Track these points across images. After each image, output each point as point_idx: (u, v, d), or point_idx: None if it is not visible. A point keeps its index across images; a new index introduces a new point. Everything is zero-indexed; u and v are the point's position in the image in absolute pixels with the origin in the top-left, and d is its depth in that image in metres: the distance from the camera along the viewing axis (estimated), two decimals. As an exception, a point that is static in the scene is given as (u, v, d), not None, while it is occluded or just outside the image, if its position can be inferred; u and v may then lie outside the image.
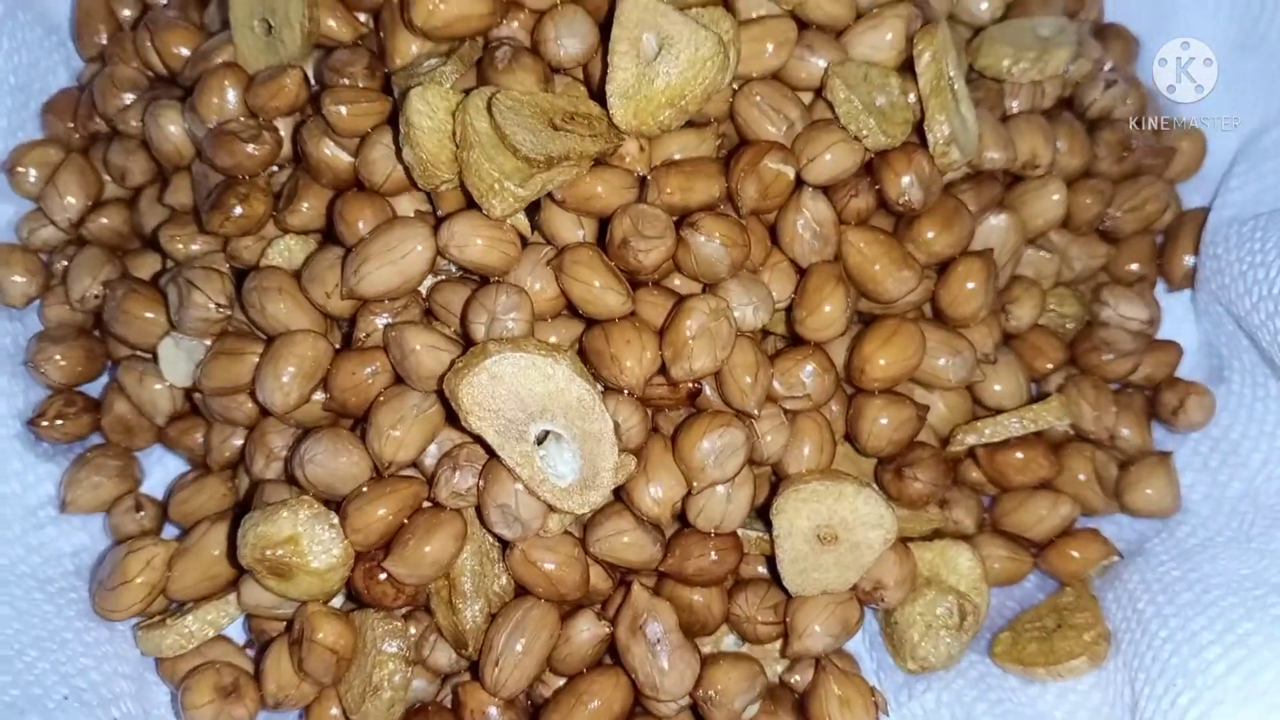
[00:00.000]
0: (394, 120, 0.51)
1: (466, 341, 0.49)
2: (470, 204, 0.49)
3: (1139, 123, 0.62)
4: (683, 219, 0.50)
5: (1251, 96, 0.63)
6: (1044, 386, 0.59)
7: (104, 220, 0.60)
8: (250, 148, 0.52)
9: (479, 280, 0.50)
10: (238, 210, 0.52)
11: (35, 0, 0.63)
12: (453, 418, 0.48)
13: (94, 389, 0.59)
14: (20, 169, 0.60)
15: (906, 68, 0.54)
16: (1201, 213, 0.62)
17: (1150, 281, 0.63)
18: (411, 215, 0.51)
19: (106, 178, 0.60)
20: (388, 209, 0.51)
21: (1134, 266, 0.62)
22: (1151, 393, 0.60)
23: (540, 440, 0.47)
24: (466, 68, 0.51)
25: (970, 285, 0.54)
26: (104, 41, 0.64)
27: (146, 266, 0.59)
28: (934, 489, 0.53)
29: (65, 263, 0.60)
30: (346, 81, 0.52)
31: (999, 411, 0.56)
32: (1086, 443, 0.58)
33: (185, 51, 0.58)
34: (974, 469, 0.58)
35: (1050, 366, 0.59)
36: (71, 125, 0.62)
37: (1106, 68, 0.65)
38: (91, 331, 0.59)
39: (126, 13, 0.65)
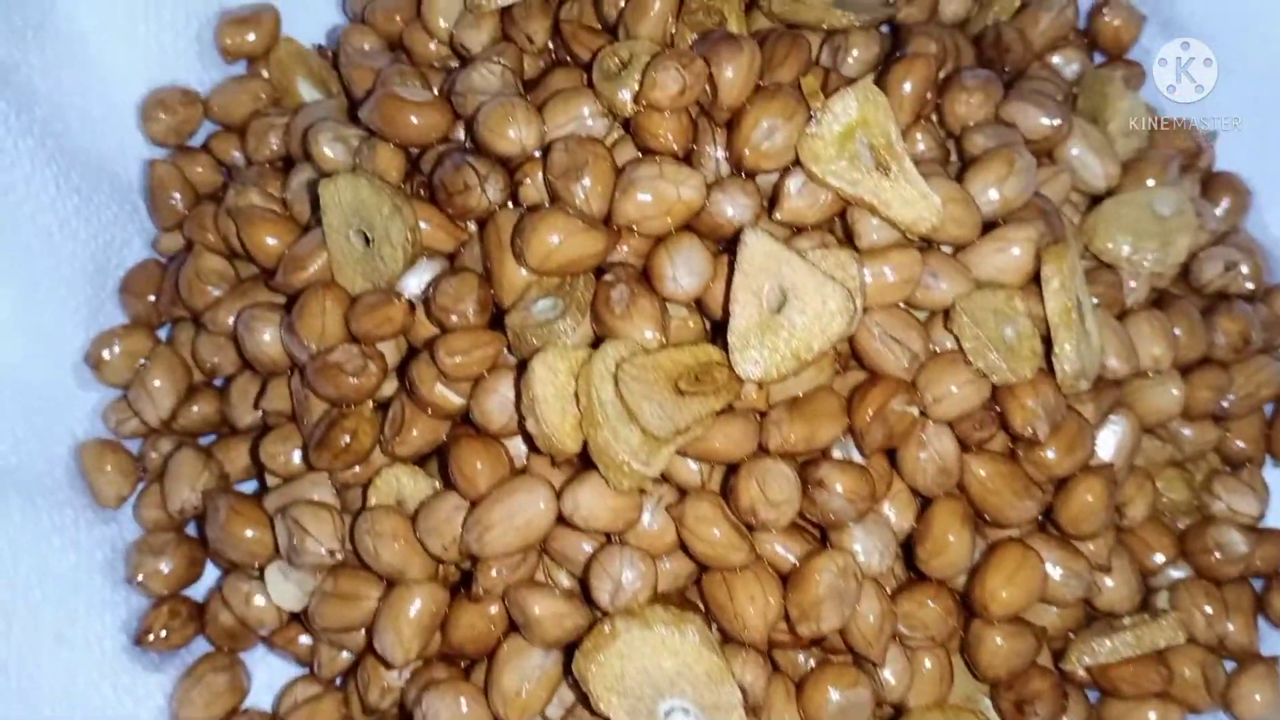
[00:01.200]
0: (509, 363, 0.49)
1: (587, 597, 0.48)
2: (589, 462, 0.48)
3: (1252, 298, 0.60)
4: (807, 467, 0.49)
5: None
6: (1154, 581, 0.58)
7: (195, 410, 0.59)
8: (355, 380, 0.51)
9: (601, 537, 0.49)
10: (346, 442, 0.51)
11: (107, 168, 0.61)
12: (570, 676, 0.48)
13: (196, 587, 0.59)
14: (106, 359, 0.59)
15: (1032, 279, 0.52)
16: (1314, 387, 0.61)
17: (1259, 461, 0.61)
18: (529, 466, 0.50)
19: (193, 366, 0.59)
20: (504, 457, 0.50)
21: (1240, 444, 0.61)
22: (1266, 584, 0.59)
23: (668, 715, 0.47)
24: (582, 311, 0.49)
25: (1089, 499, 0.53)
26: (181, 208, 0.61)
27: (240, 458, 0.58)
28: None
29: (157, 456, 0.59)
30: (456, 319, 0.50)
31: (1111, 615, 0.56)
32: (1196, 646, 0.57)
33: (273, 242, 0.56)
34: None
35: (1162, 560, 0.58)
36: (153, 299, 0.61)
37: (1218, 215, 0.63)
38: (187, 532, 0.59)
39: (200, 170, 0.63)
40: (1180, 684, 0.56)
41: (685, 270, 0.49)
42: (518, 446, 0.51)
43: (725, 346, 0.48)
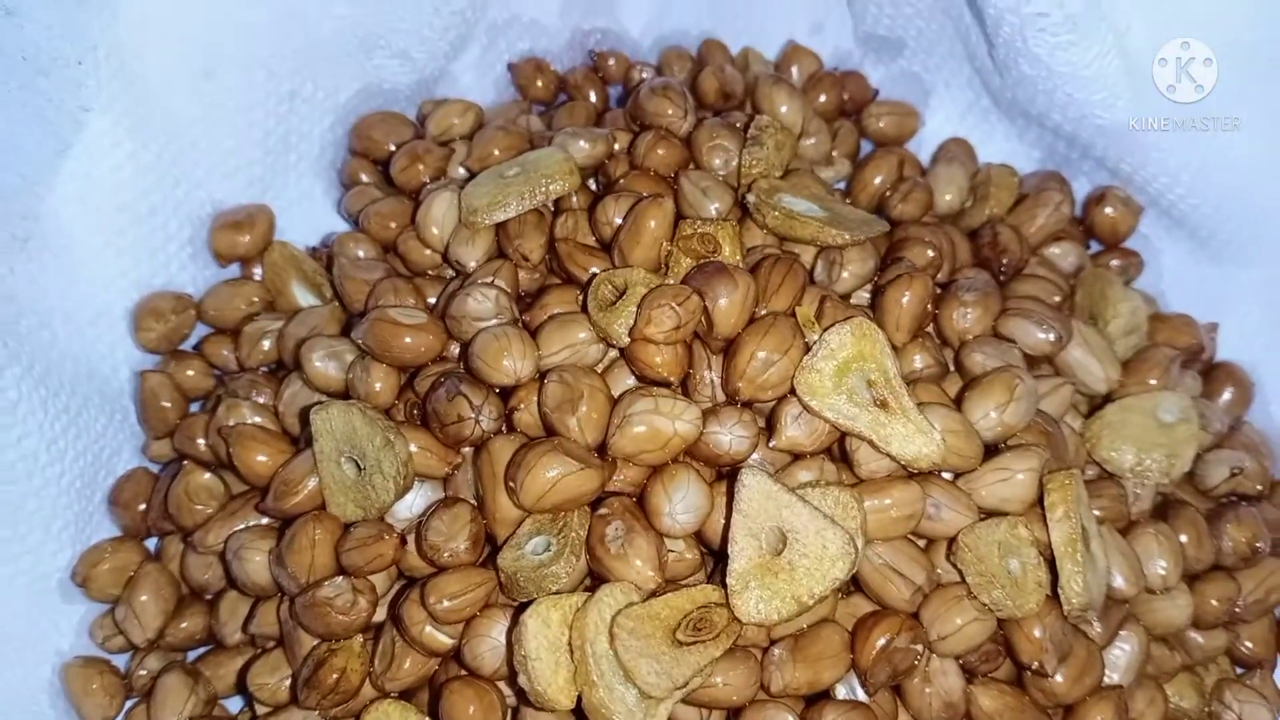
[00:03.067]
0: (500, 604, 0.48)
1: None
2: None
3: (1258, 497, 0.60)
4: (809, 705, 0.48)
5: None
6: (1166, 793, 0.57)
7: (183, 626, 0.57)
8: (344, 618, 0.50)
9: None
10: (333, 680, 0.50)
11: (96, 374, 0.60)
12: None
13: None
14: (94, 578, 0.57)
15: (1036, 504, 0.51)
16: (1326, 588, 0.59)
17: (1270, 665, 0.60)
18: (518, 713, 0.49)
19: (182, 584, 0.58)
20: (496, 703, 0.48)
21: (1250, 646, 0.59)
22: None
23: None
24: (576, 553, 0.48)
25: (1101, 724, 0.51)
26: (171, 418, 0.61)
27: (227, 675, 0.57)
28: None
29: (145, 675, 0.57)
30: (449, 558, 0.49)
31: (1127, 845, 0.54)
32: None
33: (265, 460, 0.55)
34: None
35: (1175, 776, 0.56)
36: (142, 511, 0.60)
37: (1223, 423, 0.62)
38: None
39: (191, 374, 0.62)
40: None
41: (683, 507, 0.48)
42: (509, 690, 0.49)
43: (723, 581, 0.47)
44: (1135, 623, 0.54)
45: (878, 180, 0.65)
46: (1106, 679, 0.53)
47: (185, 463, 0.58)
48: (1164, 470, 0.56)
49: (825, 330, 0.50)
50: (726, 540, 0.47)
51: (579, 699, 0.46)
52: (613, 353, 0.53)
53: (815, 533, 0.46)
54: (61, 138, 0.57)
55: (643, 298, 0.50)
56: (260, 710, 0.54)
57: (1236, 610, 0.58)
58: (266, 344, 0.61)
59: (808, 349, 0.50)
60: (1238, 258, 0.64)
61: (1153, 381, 0.59)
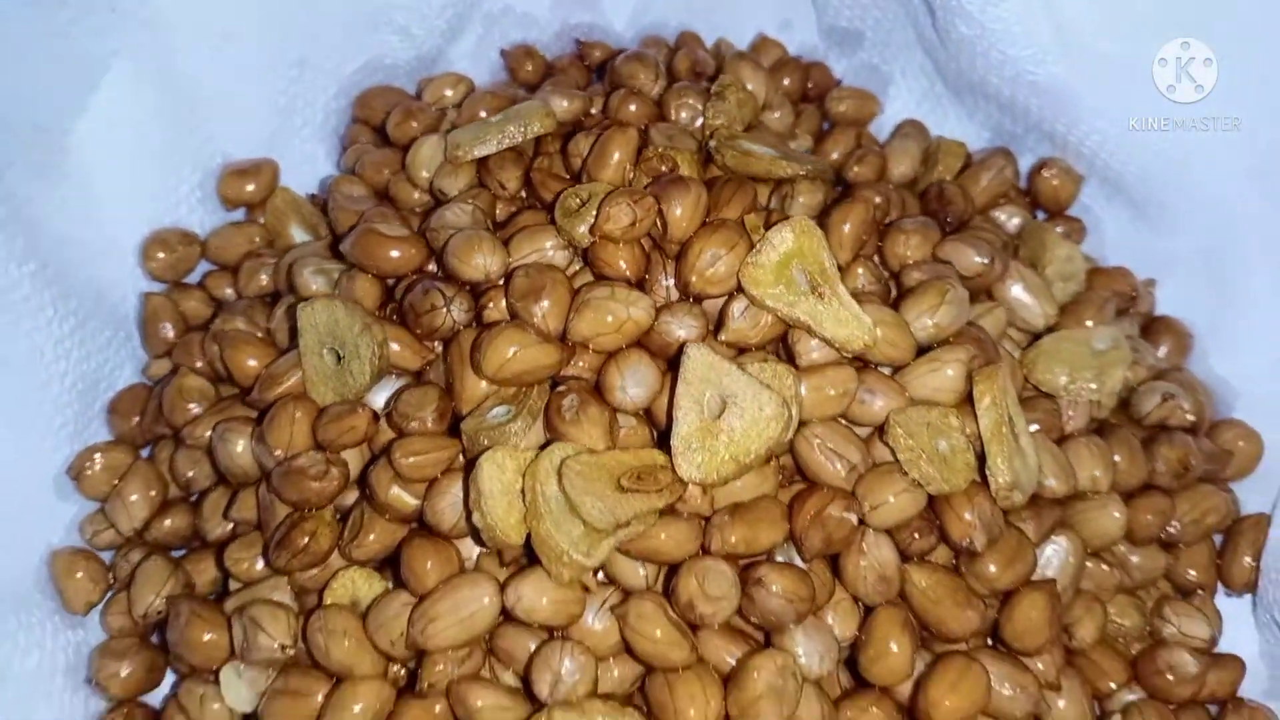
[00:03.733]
0: (462, 465, 0.52)
1: (528, 692, 0.49)
2: (535, 560, 0.50)
3: (1193, 430, 0.63)
4: (748, 568, 0.51)
5: None
6: (1107, 705, 0.58)
7: (167, 523, 0.61)
8: (317, 485, 0.53)
9: (544, 632, 0.50)
10: (304, 543, 0.53)
11: (105, 298, 0.65)
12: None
13: (154, 695, 0.59)
14: (87, 472, 0.61)
15: (966, 400, 0.54)
16: (1260, 519, 0.62)
17: (1210, 589, 0.62)
18: (476, 564, 0.52)
19: (169, 480, 0.62)
20: (454, 556, 0.51)
21: (1191, 573, 0.62)
22: (1220, 710, 0.59)
23: (605, 810, 0.47)
24: (534, 417, 0.52)
25: (1033, 615, 0.53)
26: (171, 337, 0.65)
27: (208, 570, 0.60)
28: (1005, 840, 0.52)
29: (127, 565, 0.60)
30: (416, 425, 0.53)
31: (1064, 740, 0.55)
32: (1154, 771, 0.56)
33: (253, 363, 0.60)
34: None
35: (1114, 686, 0.58)
36: (137, 420, 0.64)
37: (1160, 355, 0.66)
38: (151, 639, 0.60)
39: (193, 304, 0.67)
40: (1138, 811, 0.56)
41: (634, 382, 0.52)
42: (469, 549, 0.53)
43: (669, 452, 0.51)
44: (1069, 529, 0.57)
45: (836, 154, 0.71)
46: (1041, 575, 0.55)
47: (181, 368, 0.63)
48: (1095, 389, 0.59)
49: (768, 229, 0.54)
50: (671, 415, 0.51)
51: (528, 538, 0.49)
52: (578, 265, 0.58)
53: (752, 397, 0.50)
54: (90, 79, 0.63)
55: (602, 198, 0.55)
56: (234, 586, 0.57)
57: (1172, 530, 0.61)
58: (264, 278, 0.66)
59: (752, 247, 0.54)
60: (1173, 225, 0.68)
61: (1089, 322, 0.63)
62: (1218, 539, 0.64)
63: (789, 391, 0.51)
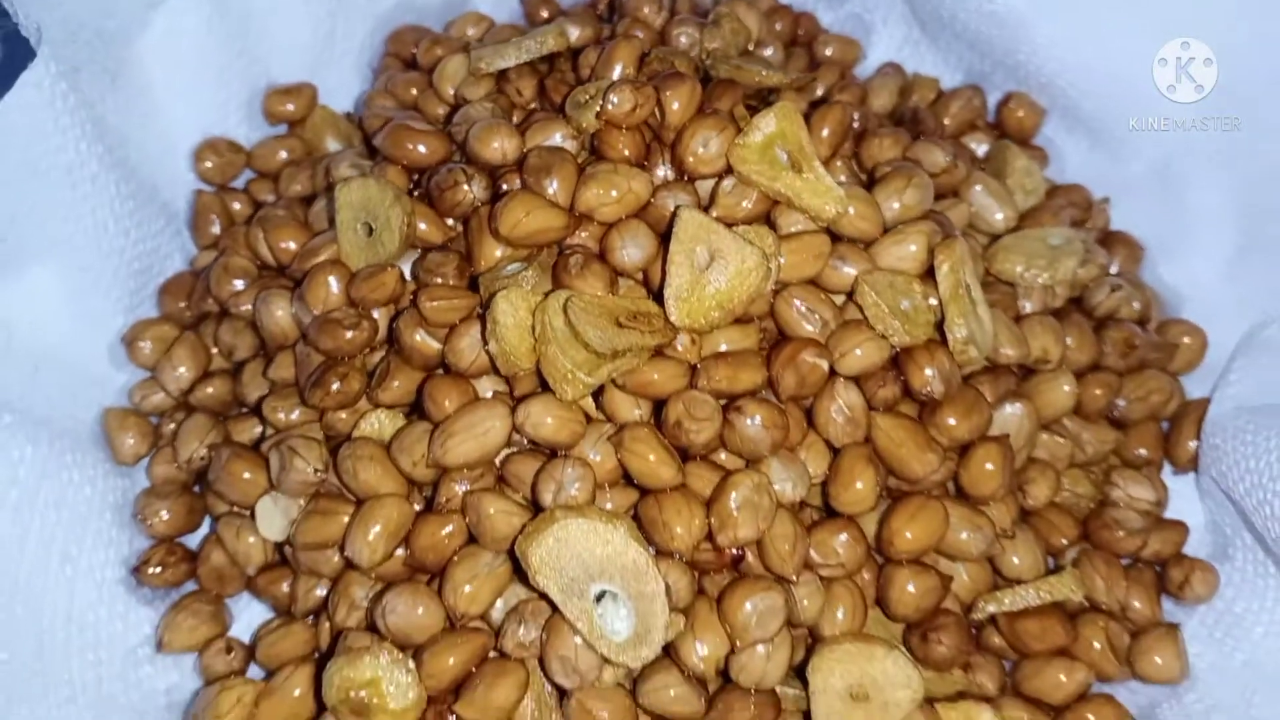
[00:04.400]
0: (480, 314, 0.58)
1: (535, 508, 0.55)
2: (543, 388, 0.56)
3: (1142, 323, 0.69)
4: (729, 403, 0.57)
5: (1257, 293, 0.70)
6: (1060, 560, 0.64)
7: (210, 389, 0.67)
8: (350, 334, 0.60)
9: (548, 453, 0.57)
10: (336, 387, 0.59)
11: (159, 194, 0.72)
12: (520, 576, 0.54)
13: (190, 540, 0.65)
14: (139, 343, 0.68)
15: (928, 274, 0.61)
16: (1204, 402, 0.68)
17: (1157, 465, 0.68)
18: (491, 396, 0.58)
19: (214, 351, 0.68)
20: (471, 390, 0.58)
21: (1141, 451, 0.68)
22: (1160, 568, 0.64)
23: (599, 599, 0.53)
24: (544, 273, 0.59)
25: (989, 467, 0.59)
26: (217, 232, 0.72)
27: (245, 431, 0.66)
28: (957, 653, 0.57)
29: (173, 426, 0.67)
30: (439, 280, 0.60)
31: (1018, 582, 0.61)
32: (1100, 614, 0.62)
33: (293, 246, 0.67)
34: (996, 636, 0.62)
35: (1065, 542, 0.64)
36: (184, 305, 0.70)
37: (1113, 271, 0.72)
38: (193, 488, 0.66)
39: (238, 206, 0.74)
40: (1088, 651, 0.61)
41: (633, 245, 0.59)
42: (483, 388, 0.59)
43: (663, 304, 0.57)
44: (1024, 396, 0.63)
45: (821, 89, 0.78)
46: (997, 431, 0.61)
47: (227, 250, 0.70)
48: (1049, 276, 0.66)
49: (755, 116, 0.61)
50: (665, 269, 0.58)
51: (538, 368, 0.55)
52: (585, 154, 0.65)
53: (736, 251, 0.57)
54: (153, -2, 0.71)
55: (607, 88, 0.62)
56: (269, 434, 0.64)
57: (1119, 405, 0.67)
58: (302, 180, 0.73)
59: (741, 130, 0.61)
60: (1127, 150, 0.75)
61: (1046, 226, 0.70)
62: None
63: (769, 248, 0.58)
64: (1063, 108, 0.76)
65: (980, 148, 0.76)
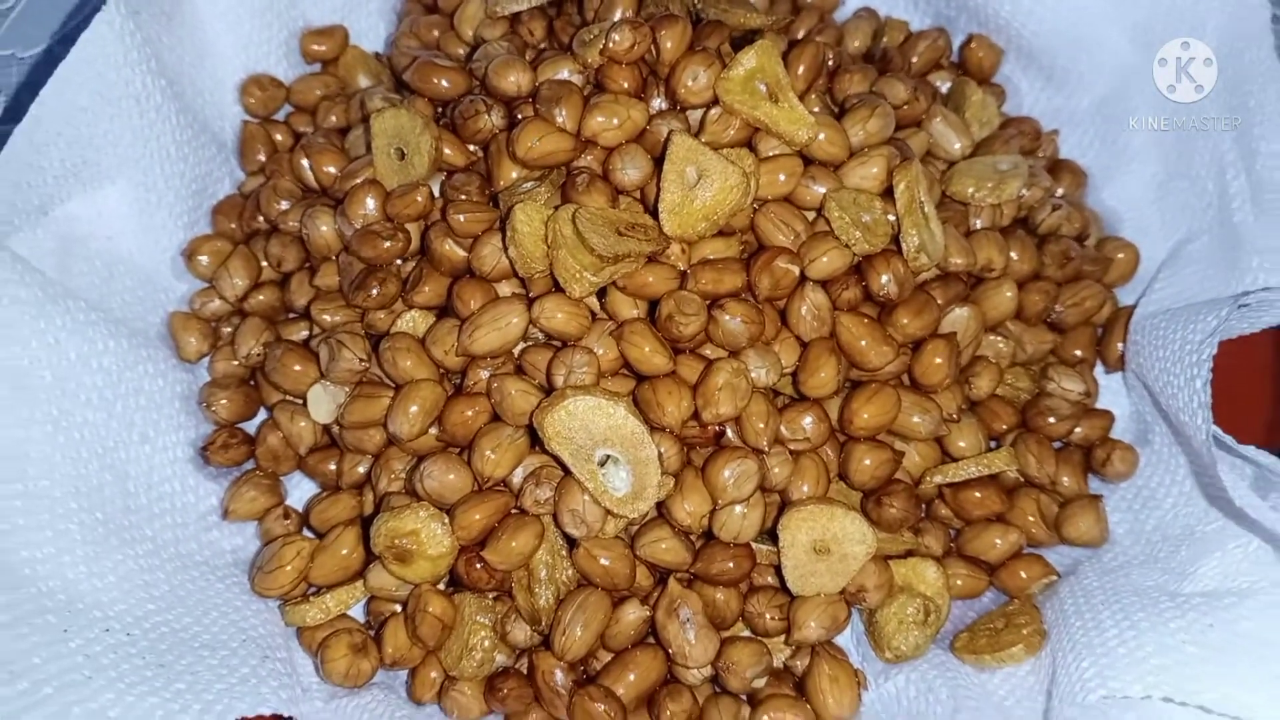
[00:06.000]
0: (500, 226, 0.68)
1: (549, 389, 0.65)
2: (555, 288, 0.66)
3: (1079, 239, 0.78)
4: (713, 303, 0.66)
5: (1181, 213, 0.79)
6: (1001, 443, 0.74)
7: (261, 296, 0.77)
8: (387, 244, 0.69)
9: (560, 345, 0.66)
10: (376, 290, 0.69)
11: (210, 125, 0.81)
12: (536, 445, 0.64)
13: (249, 427, 0.75)
14: (198, 256, 0.77)
15: (888, 193, 0.70)
16: (1132, 308, 0.78)
17: (1090, 364, 0.78)
18: (510, 296, 0.68)
19: (264, 264, 0.78)
20: (493, 290, 0.67)
21: (1077, 352, 0.77)
22: (1088, 450, 0.74)
23: (603, 462, 0.63)
24: (555, 189, 0.68)
25: (937, 360, 0.69)
26: (263, 159, 0.82)
27: (294, 332, 0.75)
28: (905, 515, 0.67)
29: (229, 329, 0.76)
30: (464, 197, 0.69)
31: (962, 459, 0.71)
32: (1033, 487, 0.72)
33: (333, 170, 0.76)
34: (943, 507, 0.72)
35: (1005, 428, 0.73)
36: (235, 223, 0.80)
37: (1058, 194, 0.82)
38: (249, 382, 0.76)
39: (279, 136, 0.83)
40: (1022, 518, 0.71)
41: (632, 166, 0.68)
42: (503, 290, 0.69)
43: (657, 217, 0.67)
44: (971, 301, 0.73)
45: (802, 31, 0.86)
46: (945, 330, 0.71)
47: (274, 175, 0.79)
48: (996, 195, 0.75)
49: (737, 53, 0.70)
50: (659, 187, 0.67)
51: (550, 270, 0.65)
52: (589, 88, 0.74)
53: (720, 170, 0.66)
54: (205, -54, 0.80)
55: (609, 27, 0.71)
56: (316, 332, 0.73)
57: (1056, 311, 0.76)
58: (334, 117, 0.82)
59: (725, 65, 0.70)
60: (1075, 85, 0.84)
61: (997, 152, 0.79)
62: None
63: (749, 168, 0.67)
64: (1019, 49, 0.85)
65: (944, 85, 0.85)
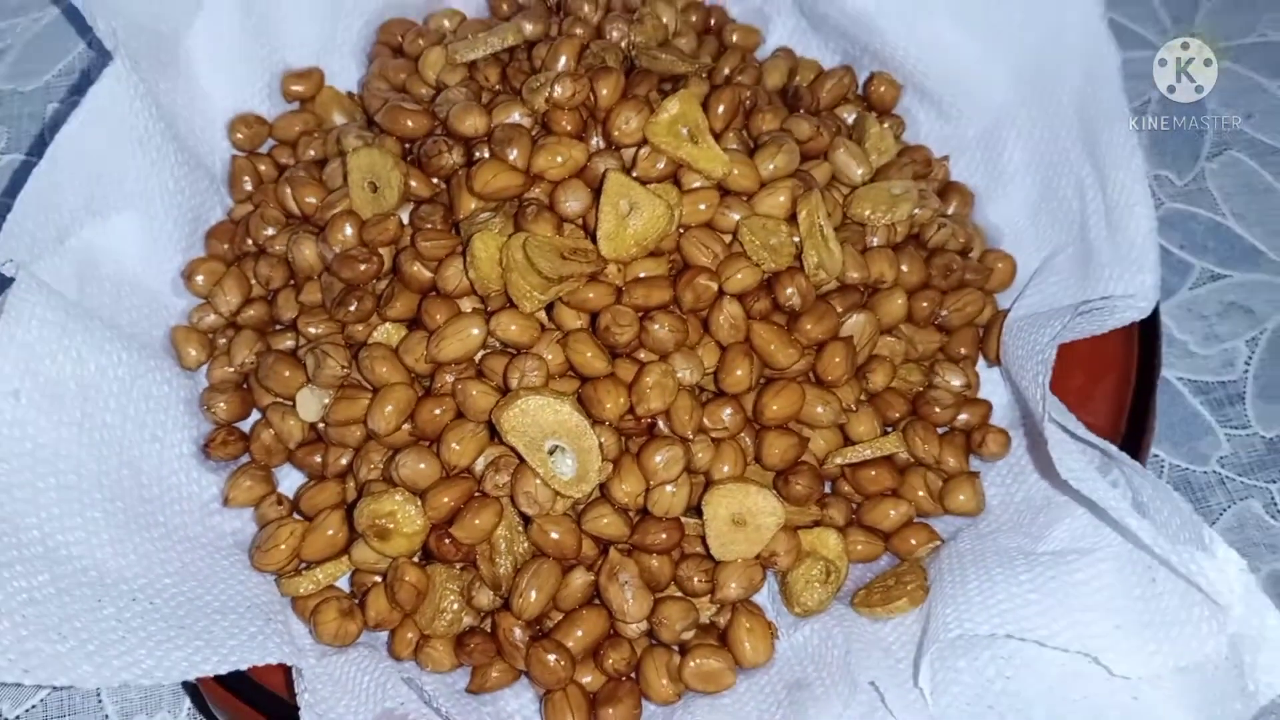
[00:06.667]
0: (461, 251, 0.79)
1: (505, 389, 0.76)
2: (509, 304, 0.77)
3: (964, 252, 0.91)
4: (645, 314, 0.78)
5: (1051, 229, 0.91)
6: (895, 429, 0.86)
7: (252, 311, 0.87)
8: (363, 266, 0.80)
9: (514, 352, 0.78)
10: (354, 307, 0.80)
11: (203, 159, 0.92)
12: (495, 438, 0.76)
13: (244, 426, 0.86)
14: (195, 276, 0.88)
15: (793, 219, 0.82)
16: (1008, 311, 0.90)
17: (973, 360, 0.90)
18: (470, 311, 0.79)
19: (253, 282, 0.88)
20: (456, 307, 0.79)
21: (961, 350, 0.89)
22: (968, 434, 0.87)
23: (551, 451, 0.74)
24: (508, 218, 0.80)
25: (836, 359, 0.81)
26: (250, 189, 0.92)
27: (281, 342, 0.86)
28: (810, 491, 0.79)
29: (224, 340, 0.87)
30: (430, 226, 0.80)
31: (860, 444, 0.83)
32: (921, 467, 0.84)
33: (313, 200, 0.87)
34: (845, 484, 0.84)
35: (897, 416, 0.85)
36: (227, 246, 0.90)
37: (949, 212, 0.94)
38: (243, 386, 0.87)
39: (264, 168, 0.94)
40: (912, 493, 0.83)
41: (574, 199, 0.80)
42: (465, 306, 0.80)
43: (596, 242, 0.78)
44: (866, 309, 0.85)
45: (727, 69, 0.98)
46: (844, 334, 0.83)
47: (260, 205, 0.90)
48: (889, 216, 0.87)
49: (664, 99, 0.82)
50: (597, 217, 0.78)
51: (505, 289, 0.76)
52: (536, 129, 0.85)
53: (649, 202, 0.78)
54: (193, 2, 0.90)
55: (554, 79, 0.82)
56: (302, 343, 0.84)
57: (942, 314, 0.89)
58: (314, 149, 0.93)
59: (654, 112, 0.82)
60: (960, 117, 0.96)
61: (892, 178, 0.91)
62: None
63: (674, 200, 0.79)
64: (915, 85, 0.97)
65: (850, 117, 0.97)
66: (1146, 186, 0.82)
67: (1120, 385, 0.83)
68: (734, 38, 1.02)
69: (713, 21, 1.04)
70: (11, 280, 0.74)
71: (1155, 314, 0.81)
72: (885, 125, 0.95)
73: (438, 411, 0.77)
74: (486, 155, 0.83)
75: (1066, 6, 0.87)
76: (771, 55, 1.02)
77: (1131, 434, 0.80)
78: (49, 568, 0.68)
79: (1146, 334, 0.84)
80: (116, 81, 0.82)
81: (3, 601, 0.63)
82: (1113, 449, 0.71)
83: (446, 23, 1.00)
